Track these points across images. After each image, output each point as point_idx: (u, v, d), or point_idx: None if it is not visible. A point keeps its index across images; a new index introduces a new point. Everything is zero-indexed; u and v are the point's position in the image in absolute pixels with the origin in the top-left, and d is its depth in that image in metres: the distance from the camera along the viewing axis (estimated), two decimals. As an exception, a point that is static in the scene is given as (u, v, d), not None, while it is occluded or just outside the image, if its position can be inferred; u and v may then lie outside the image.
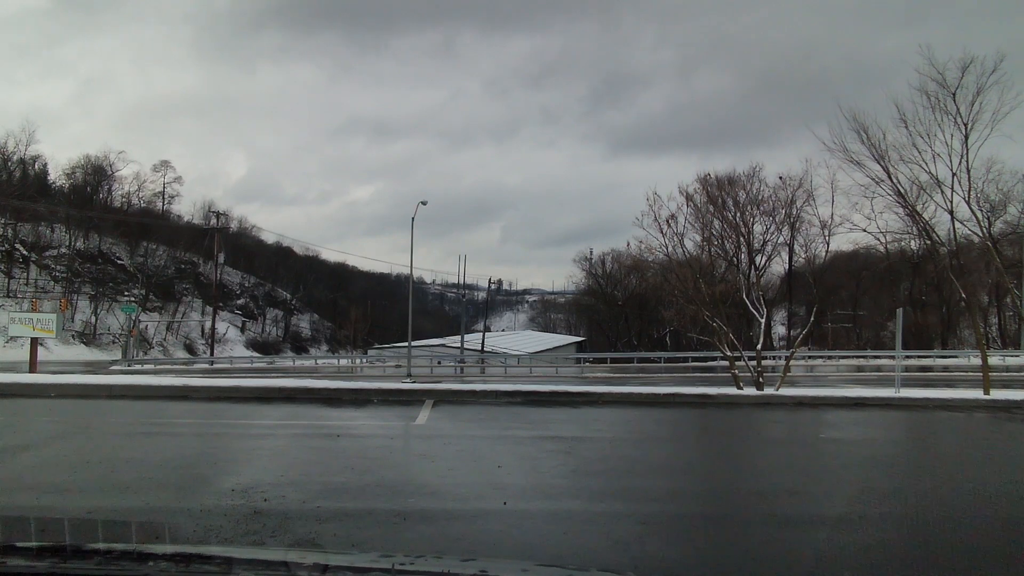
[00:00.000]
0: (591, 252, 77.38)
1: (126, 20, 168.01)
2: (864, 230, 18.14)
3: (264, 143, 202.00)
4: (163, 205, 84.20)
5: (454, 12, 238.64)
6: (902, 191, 16.55)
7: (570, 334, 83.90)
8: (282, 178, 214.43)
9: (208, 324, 67.02)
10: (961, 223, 17.59)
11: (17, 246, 62.50)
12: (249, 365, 45.71)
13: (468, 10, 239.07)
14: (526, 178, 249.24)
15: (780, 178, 20.94)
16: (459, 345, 51.69)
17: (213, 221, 68.04)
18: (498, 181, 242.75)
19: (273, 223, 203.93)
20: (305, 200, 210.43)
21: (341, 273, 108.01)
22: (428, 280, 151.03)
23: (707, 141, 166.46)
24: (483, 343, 57.83)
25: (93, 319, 62.77)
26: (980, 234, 18.43)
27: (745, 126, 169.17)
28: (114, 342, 60.49)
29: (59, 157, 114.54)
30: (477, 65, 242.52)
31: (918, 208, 17.54)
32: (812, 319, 22.09)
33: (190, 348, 69.89)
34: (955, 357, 36.01)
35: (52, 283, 62.92)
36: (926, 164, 15.77)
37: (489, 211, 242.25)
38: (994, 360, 23.44)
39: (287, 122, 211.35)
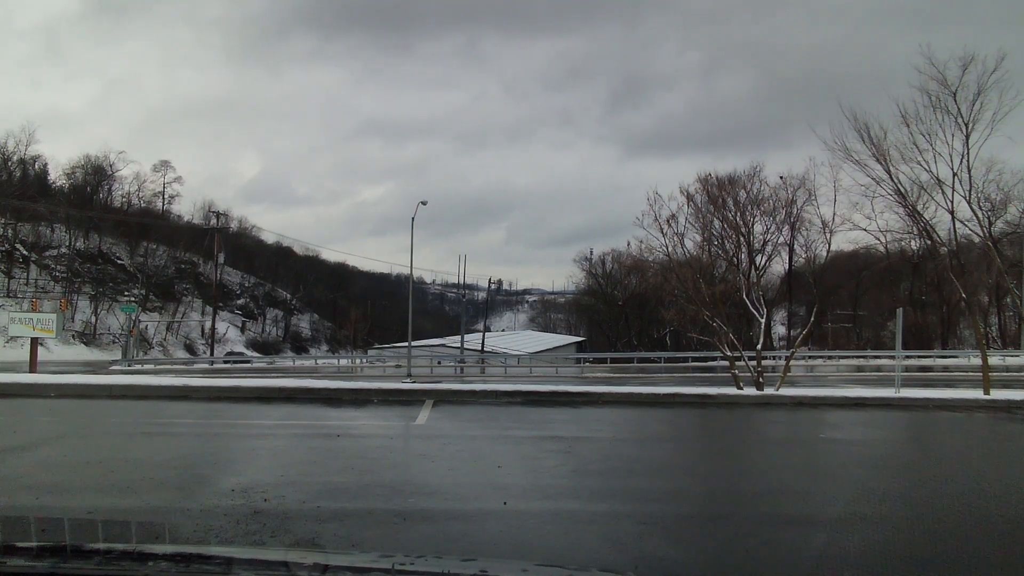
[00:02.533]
0: (591, 252, 77.45)
1: (156, 24, 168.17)
2: (865, 230, 18.12)
3: (281, 145, 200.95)
4: (163, 205, 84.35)
5: (480, 14, 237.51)
6: (903, 191, 16.56)
7: (570, 334, 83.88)
8: (294, 179, 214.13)
9: (208, 324, 67.01)
10: (962, 223, 17.60)
11: (17, 246, 62.50)
12: (249, 365, 45.69)
13: (494, 12, 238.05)
14: (536, 179, 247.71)
15: (781, 178, 20.93)
16: (459, 345, 51.67)
17: (213, 221, 68.04)
18: (507, 182, 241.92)
19: (281, 223, 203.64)
20: (315, 200, 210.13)
21: (341, 273, 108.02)
22: (428, 280, 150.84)
23: (720, 143, 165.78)
24: (483, 343, 57.82)
25: (93, 319, 62.75)
26: (981, 234, 18.42)
27: (759, 128, 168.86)
28: (114, 342, 60.44)
29: (61, 157, 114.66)
30: (499, 67, 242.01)
31: (918, 208, 17.55)
32: (812, 319, 22.09)
33: (190, 348, 69.86)
34: (955, 357, 35.97)
35: (52, 283, 62.91)
36: (927, 164, 15.79)
37: (495, 211, 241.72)
38: (994, 360, 23.40)
39: (306, 124, 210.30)
